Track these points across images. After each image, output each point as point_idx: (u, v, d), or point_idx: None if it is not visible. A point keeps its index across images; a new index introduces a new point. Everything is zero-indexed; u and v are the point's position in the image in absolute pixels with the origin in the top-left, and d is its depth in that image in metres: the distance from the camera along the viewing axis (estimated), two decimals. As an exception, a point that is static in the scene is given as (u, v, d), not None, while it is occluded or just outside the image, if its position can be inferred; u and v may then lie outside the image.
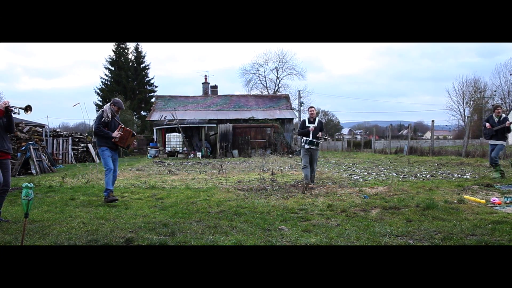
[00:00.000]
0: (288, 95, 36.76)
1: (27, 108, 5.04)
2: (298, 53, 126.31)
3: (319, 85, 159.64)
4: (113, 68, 41.36)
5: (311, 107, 8.99)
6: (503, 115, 8.07)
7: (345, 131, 67.66)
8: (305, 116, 8.90)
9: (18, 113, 5.14)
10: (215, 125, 26.31)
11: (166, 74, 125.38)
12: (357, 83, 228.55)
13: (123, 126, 6.57)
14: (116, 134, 6.38)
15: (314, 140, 8.39)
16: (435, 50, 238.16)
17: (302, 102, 40.88)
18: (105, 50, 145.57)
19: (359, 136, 47.71)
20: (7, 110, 4.75)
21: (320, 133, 8.48)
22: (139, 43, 42.18)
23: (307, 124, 8.62)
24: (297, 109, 37.51)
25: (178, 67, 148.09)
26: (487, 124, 8.19)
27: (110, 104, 6.58)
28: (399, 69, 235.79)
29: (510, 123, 7.87)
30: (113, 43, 41.58)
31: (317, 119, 8.68)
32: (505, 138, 8.13)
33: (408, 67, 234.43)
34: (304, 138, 8.46)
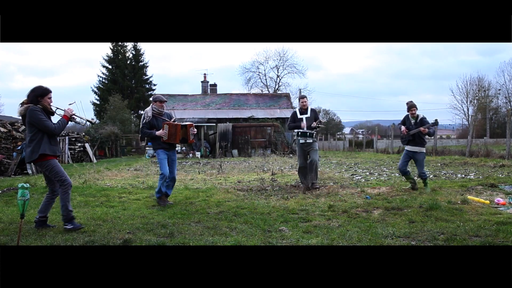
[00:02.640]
0: (288, 93, 36.73)
1: (92, 120, 5.24)
2: (298, 52, 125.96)
3: (318, 84, 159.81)
4: (110, 67, 41.19)
5: (302, 97, 7.82)
6: (420, 116, 6.99)
7: (346, 130, 67.39)
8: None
9: (84, 124, 5.28)
10: (214, 124, 26.20)
11: (162, 73, 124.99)
12: (357, 81, 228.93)
13: (167, 122, 6.11)
14: (160, 132, 6.02)
15: (307, 131, 7.30)
16: (434, 48, 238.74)
17: (303, 101, 40.75)
18: (101, 48, 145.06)
19: (361, 136, 47.57)
20: (71, 118, 4.79)
21: (314, 123, 7.36)
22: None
23: (299, 116, 7.56)
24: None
25: (174, 65, 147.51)
26: (403, 128, 7.12)
27: (151, 104, 6.28)
28: (399, 67, 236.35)
29: (425, 129, 6.78)
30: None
31: (309, 108, 7.63)
32: (424, 143, 7.03)
33: (408, 65, 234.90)
34: (296, 130, 7.41)
